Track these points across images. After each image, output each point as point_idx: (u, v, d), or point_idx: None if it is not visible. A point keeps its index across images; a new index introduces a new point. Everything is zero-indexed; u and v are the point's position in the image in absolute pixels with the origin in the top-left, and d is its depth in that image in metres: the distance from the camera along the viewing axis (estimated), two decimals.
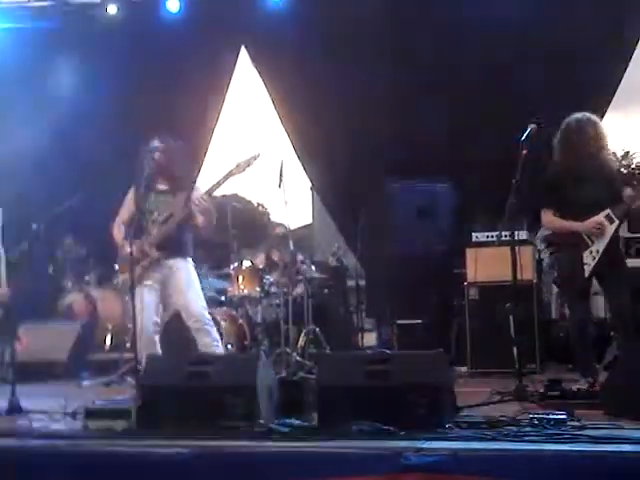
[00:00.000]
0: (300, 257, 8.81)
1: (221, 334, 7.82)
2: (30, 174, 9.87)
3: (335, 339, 8.31)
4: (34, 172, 9.87)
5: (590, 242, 6.00)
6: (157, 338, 6.58)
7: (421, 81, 9.13)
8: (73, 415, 5.28)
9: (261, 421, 4.69)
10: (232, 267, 8.51)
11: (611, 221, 6.00)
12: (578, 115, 6.14)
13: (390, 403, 4.59)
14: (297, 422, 4.71)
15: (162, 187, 6.64)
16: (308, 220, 11.22)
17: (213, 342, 6.53)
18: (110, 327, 9.22)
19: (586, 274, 6.02)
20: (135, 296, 6.19)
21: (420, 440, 4.18)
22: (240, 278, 8.38)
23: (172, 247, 6.54)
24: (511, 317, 6.61)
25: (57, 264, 9.87)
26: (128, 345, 8.43)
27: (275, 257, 9.02)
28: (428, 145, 8.77)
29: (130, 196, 6.69)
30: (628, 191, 5.99)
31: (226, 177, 6.44)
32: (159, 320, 6.65)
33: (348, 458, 4.08)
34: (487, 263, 7.40)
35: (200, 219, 6.49)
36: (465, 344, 7.62)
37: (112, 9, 9.91)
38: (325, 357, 6.03)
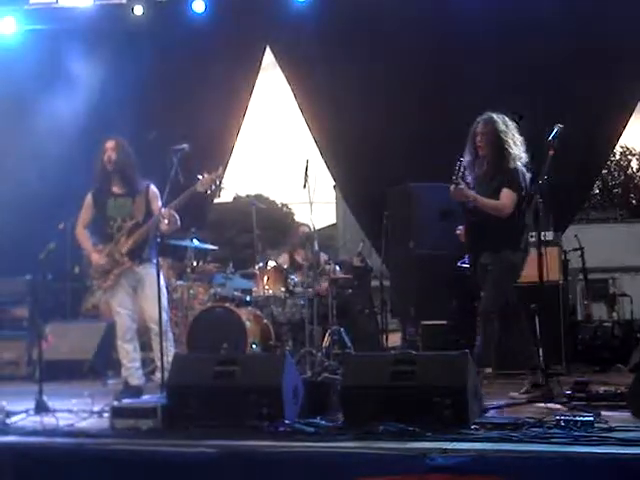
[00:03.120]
0: (324, 257, 8.81)
1: (246, 334, 7.85)
2: (54, 174, 9.93)
3: (359, 339, 8.31)
4: (58, 172, 9.93)
5: None
6: (133, 345, 6.68)
7: (446, 80, 9.10)
8: (99, 414, 5.32)
9: (286, 421, 4.69)
10: (257, 267, 8.52)
11: None
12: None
13: (415, 404, 4.58)
14: (322, 422, 4.71)
15: (119, 190, 6.65)
16: (332, 220, 11.20)
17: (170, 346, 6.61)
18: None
19: None
20: (113, 301, 6.41)
21: (445, 441, 4.17)
22: (265, 278, 8.39)
23: (141, 254, 6.59)
24: (537, 318, 6.57)
25: (82, 264, 9.92)
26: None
27: (299, 257, 9.03)
28: (453, 144, 8.72)
29: (87, 201, 6.71)
30: None
31: (187, 195, 6.45)
32: (136, 326, 6.74)
33: (373, 458, 4.07)
34: None
35: (165, 227, 6.51)
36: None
37: (138, 10, 9.96)
38: (350, 357, 6.02)
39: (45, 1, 10.55)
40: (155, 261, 6.43)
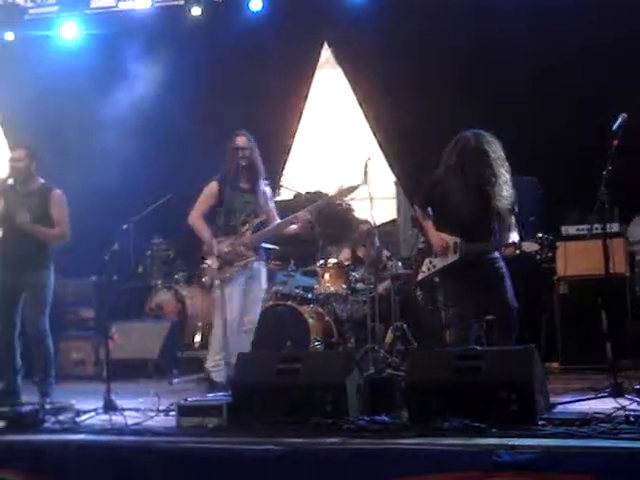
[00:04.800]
0: (386, 253, 8.78)
1: (308, 331, 7.87)
2: (116, 175, 10.06)
3: (422, 335, 8.26)
4: (120, 173, 10.05)
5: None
6: (242, 338, 6.59)
7: (505, 77, 8.99)
8: (166, 412, 5.37)
9: (350, 418, 4.69)
10: (318, 264, 8.53)
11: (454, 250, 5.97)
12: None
13: (481, 400, 4.54)
14: (387, 419, 4.70)
15: (245, 186, 6.66)
16: (393, 216, 11.13)
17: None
18: (199, 325, 9.34)
19: (418, 277, 6.29)
20: (224, 295, 6.29)
21: (512, 437, 4.13)
22: (326, 275, 8.39)
23: (258, 251, 6.63)
24: (603, 312, 6.46)
25: (146, 264, 10.04)
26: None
27: (360, 254, 9.00)
28: (513, 138, 8.63)
29: (210, 190, 6.68)
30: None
31: (326, 201, 6.52)
32: (245, 321, 6.69)
33: (439, 455, 4.05)
34: (577, 257, 7.25)
35: (294, 230, 6.63)
36: (555, 340, 7.49)
37: (196, 10, 10.03)
38: (414, 353, 6.01)
39: (105, 5, 10.71)
40: (265, 260, 6.58)
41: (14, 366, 6.59)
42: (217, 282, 6.47)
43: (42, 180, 6.85)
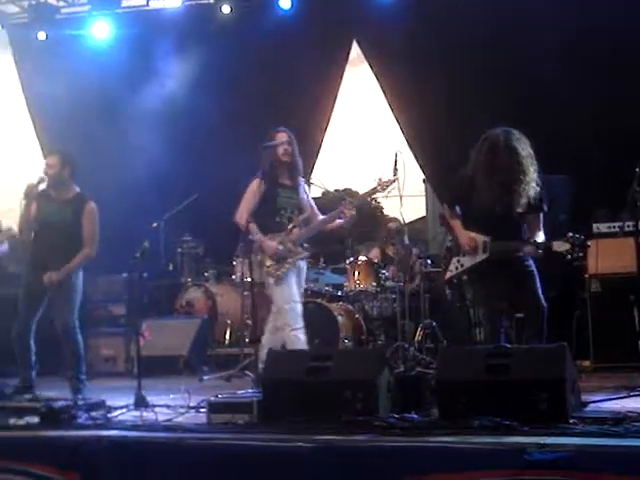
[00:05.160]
0: (415, 251, 8.77)
1: (338, 329, 7.88)
2: (146, 173, 10.13)
3: (452, 333, 8.25)
4: (150, 172, 10.12)
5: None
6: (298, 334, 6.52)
7: (537, 74, 8.94)
8: (196, 409, 5.40)
9: (381, 416, 4.69)
10: (348, 262, 8.54)
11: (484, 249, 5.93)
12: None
13: (511, 398, 4.51)
14: (417, 417, 4.69)
15: (286, 182, 6.63)
16: (422, 213, 11.13)
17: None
18: (229, 322, 9.37)
19: (446, 275, 6.31)
20: (285, 288, 6.36)
21: (543, 436, 4.10)
22: (356, 273, 8.40)
23: (305, 248, 6.63)
24: (635, 309, 6.41)
25: (176, 261, 10.09)
26: (247, 340, 8.58)
27: (390, 252, 9.00)
28: (544, 135, 8.59)
29: (254, 187, 6.59)
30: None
31: (368, 194, 6.51)
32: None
33: (470, 453, 4.03)
34: (609, 254, 7.19)
35: (339, 223, 6.61)
36: (586, 338, 7.43)
37: (226, 9, 10.07)
38: (444, 351, 5.98)
39: (136, 4, 10.78)
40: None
41: (30, 363, 6.69)
42: (271, 280, 6.44)
43: (77, 189, 6.90)
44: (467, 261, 6.02)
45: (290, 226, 6.51)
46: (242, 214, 6.54)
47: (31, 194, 6.68)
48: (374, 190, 6.47)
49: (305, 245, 6.73)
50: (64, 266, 6.61)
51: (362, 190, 8.11)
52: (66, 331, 6.63)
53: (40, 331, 6.82)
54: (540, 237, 5.92)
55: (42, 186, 6.77)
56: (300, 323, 6.42)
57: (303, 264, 6.67)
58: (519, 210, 5.87)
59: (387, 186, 6.45)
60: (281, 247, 6.43)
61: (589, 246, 5.86)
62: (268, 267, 6.46)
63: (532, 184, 5.85)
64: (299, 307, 6.47)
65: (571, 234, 5.78)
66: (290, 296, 6.41)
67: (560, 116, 8.73)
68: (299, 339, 6.34)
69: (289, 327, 6.36)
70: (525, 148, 5.87)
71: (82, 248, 6.71)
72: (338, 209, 6.59)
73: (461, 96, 9.27)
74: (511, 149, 5.82)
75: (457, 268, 6.11)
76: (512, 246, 5.92)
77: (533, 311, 5.89)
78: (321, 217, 6.68)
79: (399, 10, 9.42)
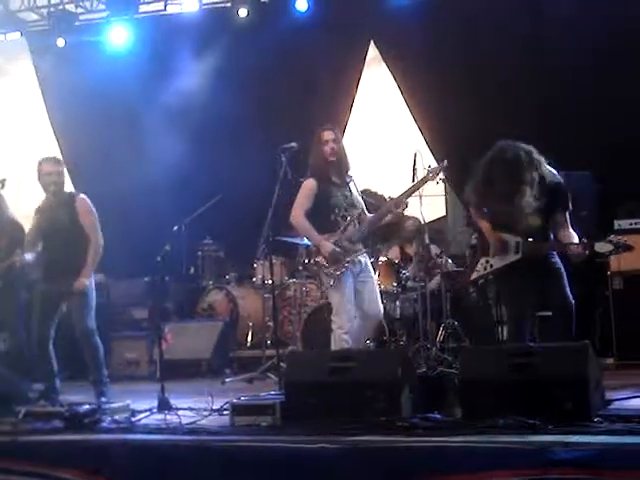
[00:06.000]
0: (436, 250, 8.75)
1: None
2: (168, 177, 10.17)
3: (474, 332, 8.21)
4: (171, 175, 10.16)
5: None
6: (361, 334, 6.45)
7: (555, 69, 8.90)
8: (219, 411, 5.41)
9: (403, 416, 4.68)
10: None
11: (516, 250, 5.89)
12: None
13: (535, 397, 4.50)
14: (440, 417, 4.68)
15: (336, 180, 6.52)
16: (442, 213, 11.08)
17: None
18: (250, 325, 9.39)
19: (473, 275, 6.18)
20: (341, 290, 6.27)
21: (567, 434, 4.09)
22: (376, 273, 8.38)
23: (366, 243, 6.53)
24: None
25: (197, 265, 10.12)
26: (269, 342, 8.60)
27: (410, 251, 8.98)
28: (566, 133, 8.56)
29: (309, 187, 6.46)
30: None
31: (420, 184, 6.40)
32: (371, 315, 6.49)
33: (494, 453, 4.02)
34: (632, 252, 7.13)
35: (388, 220, 6.55)
36: (610, 335, 7.39)
37: (243, 12, 10.09)
38: (467, 351, 5.96)
39: (153, 9, 10.83)
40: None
41: (52, 370, 6.72)
42: (331, 282, 6.33)
43: (66, 190, 6.96)
44: (497, 262, 5.98)
45: (345, 224, 6.42)
46: (297, 215, 6.42)
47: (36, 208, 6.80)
48: (425, 180, 6.38)
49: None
50: (77, 268, 6.65)
51: (381, 189, 8.13)
52: (84, 335, 6.68)
53: (64, 336, 6.87)
54: (573, 237, 5.88)
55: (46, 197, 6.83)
56: (352, 328, 6.28)
57: (364, 260, 6.49)
58: (541, 213, 5.85)
59: (437, 174, 6.38)
60: (337, 246, 6.32)
61: (633, 248, 5.81)
62: (327, 268, 6.35)
63: (532, 191, 5.79)
64: (353, 310, 6.32)
65: (613, 236, 5.74)
66: (348, 297, 6.30)
67: (583, 114, 8.69)
68: (347, 343, 6.21)
69: (341, 330, 6.25)
70: (524, 157, 5.82)
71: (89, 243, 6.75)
72: (387, 205, 6.50)
73: (480, 95, 9.24)
74: (506, 161, 5.80)
75: (485, 268, 6.06)
76: (543, 246, 5.90)
77: (561, 309, 5.86)
78: (371, 215, 6.55)
79: (416, 10, 9.40)
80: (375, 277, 6.72)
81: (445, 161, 6.43)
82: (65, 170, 7.11)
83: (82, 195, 6.90)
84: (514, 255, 5.90)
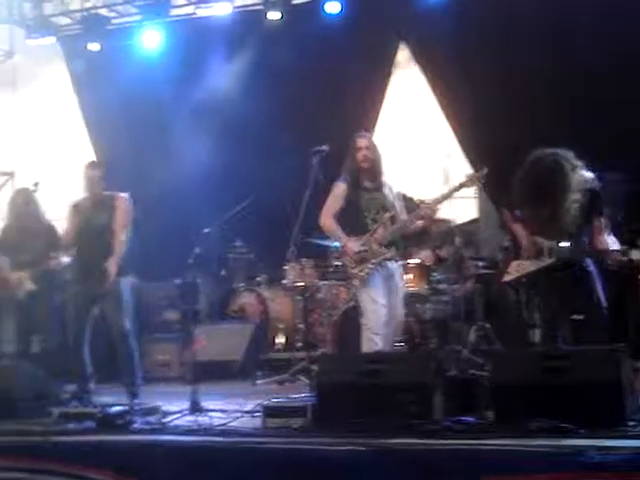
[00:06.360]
0: (467, 253, 8.71)
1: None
2: (198, 179, 10.21)
3: (506, 335, 8.17)
4: (202, 177, 10.20)
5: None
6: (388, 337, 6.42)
7: (589, 71, 8.83)
8: (251, 413, 5.42)
9: (435, 419, 4.66)
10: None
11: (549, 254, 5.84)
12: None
13: (568, 400, 4.47)
14: (472, 420, 4.66)
15: (368, 185, 6.54)
16: (473, 215, 11.02)
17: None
18: (281, 327, 9.39)
19: (505, 277, 6.18)
20: (368, 291, 6.30)
21: (601, 438, 4.05)
22: (408, 276, 8.35)
23: (396, 247, 6.52)
24: None
25: (228, 267, 10.15)
26: (299, 344, 8.60)
27: (441, 254, 8.94)
28: (601, 133, 8.49)
29: (338, 191, 6.54)
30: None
31: (456, 189, 6.41)
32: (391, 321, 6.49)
33: (527, 456, 4.00)
34: None
35: (421, 222, 6.60)
36: None
37: (275, 15, 10.11)
38: (499, 354, 5.94)
39: (185, 12, 10.89)
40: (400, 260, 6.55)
41: (85, 371, 6.79)
42: (356, 282, 6.38)
43: (106, 192, 7.01)
44: (531, 265, 5.95)
45: (374, 227, 6.44)
46: (325, 217, 6.51)
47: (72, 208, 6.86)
48: (461, 186, 6.39)
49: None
50: (108, 269, 6.72)
51: (411, 191, 8.10)
52: (121, 336, 6.73)
53: (97, 339, 6.92)
54: (608, 242, 5.85)
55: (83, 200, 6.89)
56: (382, 329, 6.27)
57: (394, 266, 6.50)
58: (578, 217, 5.83)
59: (475, 181, 6.39)
60: (361, 248, 6.35)
61: None
62: (352, 268, 6.39)
63: (576, 196, 5.79)
64: (382, 311, 6.30)
65: None
66: (374, 298, 6.30)
67: (618, 114, 8.61)
68: (376, 344, 6.20)
69: (369, 330, 6.26)
70: (563, 162, 5.81)
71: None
72: (419, 210, 6.53)
73: (514, 96, 9.18)
74: (544, 167, 5.79)
75: (518, 271, 6.05)
76: (580, 253, 5.86)
77: (594, 312, 5.82)
78: (402, 219, 6.57)
79: (448, 10, 9.36)
80: (402, 281, 6.71)
81: (485, 169, 6.38)
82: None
83: (123, 194, 6.97)
84: (547, 259, 5.87)
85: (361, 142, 6.53)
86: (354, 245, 6.36)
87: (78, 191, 7.02)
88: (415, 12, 9.69)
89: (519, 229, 6.05)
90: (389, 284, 6.42)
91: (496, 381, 4.84)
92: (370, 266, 6.32)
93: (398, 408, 4.75)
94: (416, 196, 7.93)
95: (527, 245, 5.96)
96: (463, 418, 4.69)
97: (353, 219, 6.47)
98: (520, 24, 9.14)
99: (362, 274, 6.32)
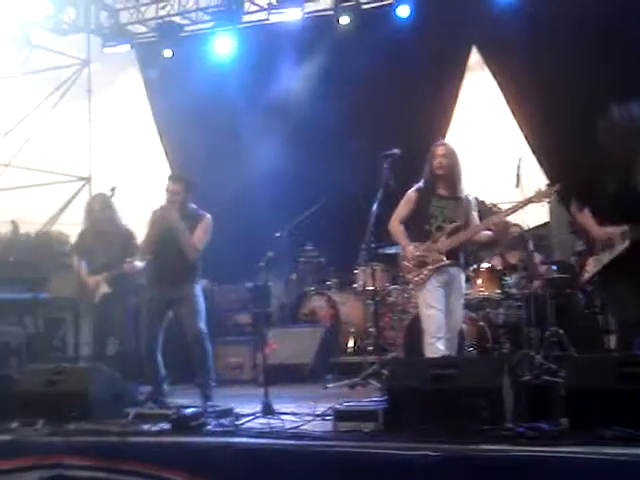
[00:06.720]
0: (539, 257, 8.61)
1: (462, 337, 7.79)
2: (269, 184, 10.29)
3: (579, 341, 8.05)
4: (273, 182, 10.28)
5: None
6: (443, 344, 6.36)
7: None
8: (322, 417, 5.44)
9: (507, 425, 4.62)
10: (471, 269, 8.44)
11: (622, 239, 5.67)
12: None
13: None
14: (546, 426, 4.60)
15: (443, 192, 6.57)
16: (545, 219, 10.90)
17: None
18: (352, 331, 9.41)
19: (584, 277, 5.99)
20: (423, 296, 6.35)
21: None
22: (479, 280, 8.30)
23: (457, 257, 6.52)
24: None
25: (299, 271, 10.21)
26: (370, 348, 8.60)
27: (512, 258, 8.85)
28: None
29: (408, 197, 6.61)
30: None
31: (524, 203, 6.40)
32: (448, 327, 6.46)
33: (603, 465, 3.93)
34: None
35: (481, 237, 6.60)
36: None
37: (345, 19, 10.15)
38: (573, 360, 5.85)
39: (257, 18, 11.00)
40: (463, 267, 6.57)
41: (159, 374, 6.92)
42: (413, 286, 6.49)
43: (194, 206, 7.12)
44: (606, 256, 5.83)
45: (438, 235, 6.45)
46: (393, 221, 6.61)
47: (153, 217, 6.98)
48: (529, 200, 6.38)
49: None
50: (184, 277, 6.84)
51: (483, 195, 8.05)
52: (196, 338, 6.82)
53: (171, 342, 7.04)
54: None
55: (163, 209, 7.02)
56: (440, 332, 6.28)
57: (457, 272, 6.50)
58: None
59: (548, 196, 6.38)
60: (419, 253, 6.38)
61: None
62: (408, 273, 6.47)
63: None
64: (439, 315, 6.31)
65: None
66: (429, 302, 6.33)
67: None
68: (438, 349, 6.19)
69: (428, 335, 6.28)
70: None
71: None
72: (485, 221, 6.56)
73: (587, 99, 9.05)
74: (623, 128, 5.71)
75: (595, 266, 5.93)
76: None
77: None
78: (465, 230, 6.53)
79: (518, 15, 9.29)
80: (464, 286, 6.71)
81: (558, 185, 6.33)
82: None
83: (209, 215, 7.07)
84: (622, 245, 5.75)
85: (438, 150, 6.55)
86: (413, 250, 6.43)
87: (154, 196, 7.14)
88: (486, 14, 9.63)
89: (589, 220, 5.94)
90: (448, 289, 6.43)
91: (570, 387, 4.77)
92: (425, 272, 6.36)
93: (470, 413, 4.71)
94: (488, 200, 7.89)
95: (599, 233, 5.84)
96: (537, 424, 4.63)
97: (418, 225, 6.52)
98: (594, 25, 9.01)
99: (416, 279, 6.39)
